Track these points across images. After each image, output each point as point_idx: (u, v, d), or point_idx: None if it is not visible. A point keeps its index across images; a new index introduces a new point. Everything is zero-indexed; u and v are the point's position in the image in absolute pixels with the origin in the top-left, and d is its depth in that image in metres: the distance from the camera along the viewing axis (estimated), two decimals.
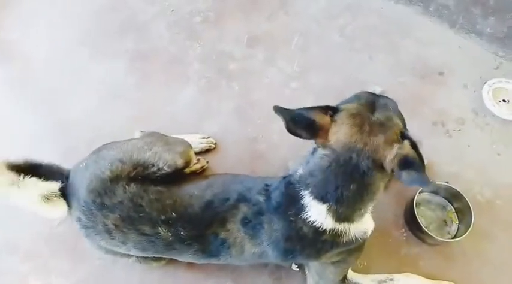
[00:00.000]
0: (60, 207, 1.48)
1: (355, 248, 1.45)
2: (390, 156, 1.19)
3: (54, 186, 1.48)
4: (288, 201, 1.37)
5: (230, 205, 1.43)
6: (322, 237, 1.35)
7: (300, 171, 1.37)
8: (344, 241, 1.37)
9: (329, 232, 1.33)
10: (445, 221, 1.89)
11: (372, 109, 1.27)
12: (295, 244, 1.38)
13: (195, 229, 1.42)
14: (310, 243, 1.37)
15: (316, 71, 2.28)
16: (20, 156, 1.49)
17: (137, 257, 1.62)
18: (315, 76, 2.27)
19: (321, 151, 1.28)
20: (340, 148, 1.23)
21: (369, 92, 1.38)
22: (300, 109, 1.25)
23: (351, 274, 1.68)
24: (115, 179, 1.45)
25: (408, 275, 1.73)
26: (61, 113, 2.21)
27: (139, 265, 1.74)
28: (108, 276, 1.80)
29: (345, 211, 1.30)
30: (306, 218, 1.33)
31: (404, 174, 1.17)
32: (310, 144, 1.32)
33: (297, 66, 2.29)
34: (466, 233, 1.73)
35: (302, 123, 1.24)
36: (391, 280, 1.71)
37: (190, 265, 1.77)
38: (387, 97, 1.39)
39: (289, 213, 1.35)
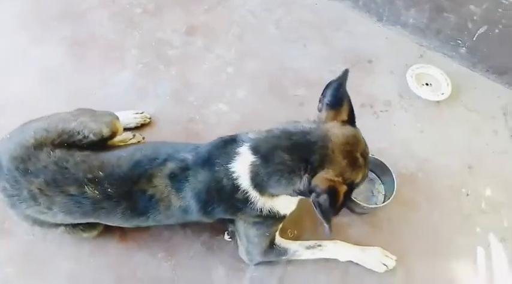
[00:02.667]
0: None
1: (269, 216, 1.49)
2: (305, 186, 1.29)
3: None
4: (222, 151, 1.44)
5: (158, 163, 1.47)
6: (235, 194, 1.41)
7: (251, 135, 1.44)
8: (252, 208, 1.43)
9: (242, 192, 1.40)
10: (372, 192, 1.97)
11: (364, 150, 1.36)
12: (213, 195, 1.43)
13: (122, 186, 1.44)
14: (225, 197, 1.43)
15: (252, 58, 2.38)
16: None
17: (65, 227, 1.61)
18: (251, 62, 2.36)
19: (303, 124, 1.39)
20: (313, 133, 1.33)
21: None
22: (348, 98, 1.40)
23: (279, 240, 1.71)
24: (39, 146, 1.46)
25: (336, 242, 1.78)
26: None
27: (70, 238, 1.73)
28: (37, 251, 1.75)
29: (262, 179, 1.36)
30: (229, 169, 1.39)
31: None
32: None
33: (234, 53, 2.38)
34: (389, 200, 1.83)
35: (339, 100, 1.39)
36: (319, 246, 1.75)
37: (122, 236, 1.78)
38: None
39: (217, 161, 1.41)
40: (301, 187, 1.32)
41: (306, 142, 1.31)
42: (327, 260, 1.77)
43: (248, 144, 1.40)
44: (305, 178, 1.29)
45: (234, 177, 1.39)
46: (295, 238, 1.81)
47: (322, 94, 1.42)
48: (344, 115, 1.38)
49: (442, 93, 2.25)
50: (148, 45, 2.37)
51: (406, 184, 1.99)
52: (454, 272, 1.82)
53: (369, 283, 1.76)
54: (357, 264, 1.78)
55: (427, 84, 2.32)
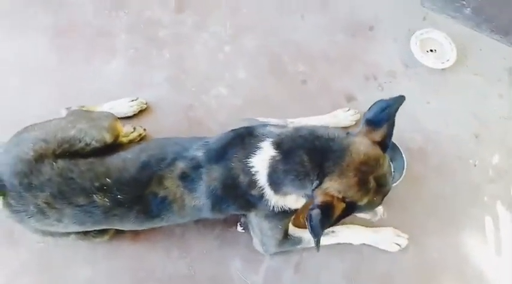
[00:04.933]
0: None
1: (281, 211, 1.48)
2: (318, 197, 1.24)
3: None
4: (239, 146, 1.41)
5: (167, 163, 1.44)
6: (251, 191, 1.39)
7: (274, 129, 1.43)
8: (265, 205, 1.43)
9: (258, 188, 1.38)
10: None
11: (380, 176, 1.28)
12: (229, 192, 1.42)
13: (132, 190, 1.42)
14: (241, 194, 1.42)
15: (249, 33, 2.25)
16: None
17: (76, 234, 1.58)
18: (248, 38, 2.23)
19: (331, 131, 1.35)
20: (337, 141, 1.30)
21: None
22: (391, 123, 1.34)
23: (292, 230, 1.72)
24: (40, 158, 1.39)
25: (349, 227, 1.79)
26: None
27: (83, 243, 1.70)
28: (50, 258, 1.73)
29: (278, 176, 1.34)
30: (247, 163, 1.37)
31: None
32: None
33: (229, 29, 2.24)
34: (400, 179, 1.81)
35: (380, 121, 1.33)
36: (333, 232, 1.76)
37: (135, 237, 1.76)
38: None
39: (234, 156, 1.39)
40: (309, 193, 1.31)
41: (326, 148, 1.29)
42: (340, 244, 1.78)
43: (271, 139, 1.38)
44: (315, 184, 1.28)
45: (252, 172, 1.37)
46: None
47: (369, 108, 1.37)
48: (378, 137, 1.32)
49: (448, 60, 2.18)
50: (136, 27, 2.21)
51: (415, 158, 1.97)
52: (464, 244, 1.86)
53: (383, 263, 1.80)
54: (370, 245, 1.80)
55: (431, 51, 2.23)
